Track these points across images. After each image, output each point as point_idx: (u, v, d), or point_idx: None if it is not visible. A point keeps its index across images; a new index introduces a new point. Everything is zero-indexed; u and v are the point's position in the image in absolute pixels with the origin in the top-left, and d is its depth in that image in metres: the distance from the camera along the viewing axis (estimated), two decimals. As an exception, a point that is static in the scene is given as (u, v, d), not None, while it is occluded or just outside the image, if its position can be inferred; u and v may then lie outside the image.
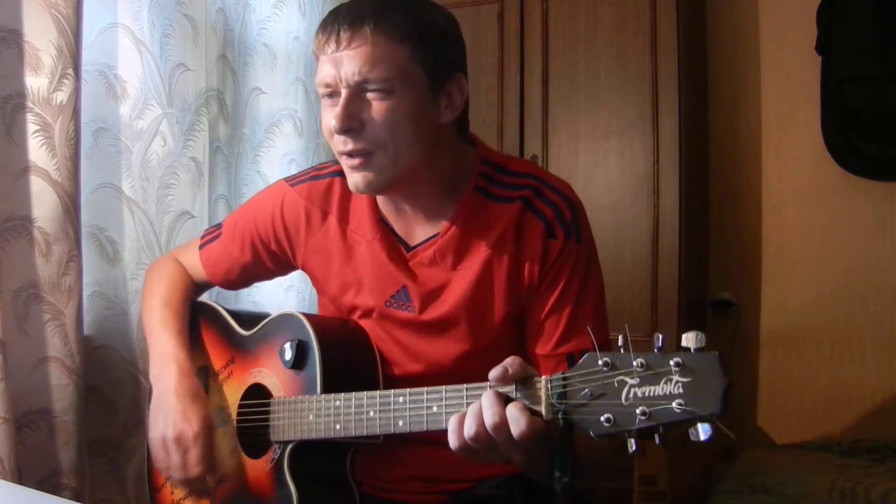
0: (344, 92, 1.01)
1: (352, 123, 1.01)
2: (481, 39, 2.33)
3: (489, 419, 0.87)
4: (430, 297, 1.12)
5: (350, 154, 1.03)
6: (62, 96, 1.27)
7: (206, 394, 1.20)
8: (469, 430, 0.89)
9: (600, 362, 0.83)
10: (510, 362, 0.89)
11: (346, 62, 0.99)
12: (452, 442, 0.91)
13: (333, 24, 1.01)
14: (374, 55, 0.99)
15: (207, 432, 1.12)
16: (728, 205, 2.51)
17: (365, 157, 1.03)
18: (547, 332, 1.10)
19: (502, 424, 0.87)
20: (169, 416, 1.13)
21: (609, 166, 2.22)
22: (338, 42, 1.00)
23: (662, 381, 0.78)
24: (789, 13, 2.41)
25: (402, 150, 1.02)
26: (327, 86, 1.03)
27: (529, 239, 1.08)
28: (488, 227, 1.09)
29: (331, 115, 1.02)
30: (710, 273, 2.53)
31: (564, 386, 0.85)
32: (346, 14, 1.01)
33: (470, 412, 0.90)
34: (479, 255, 1.09)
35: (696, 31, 2.42)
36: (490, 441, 0.88)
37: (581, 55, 2.25)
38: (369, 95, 1.01)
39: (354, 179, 1.05)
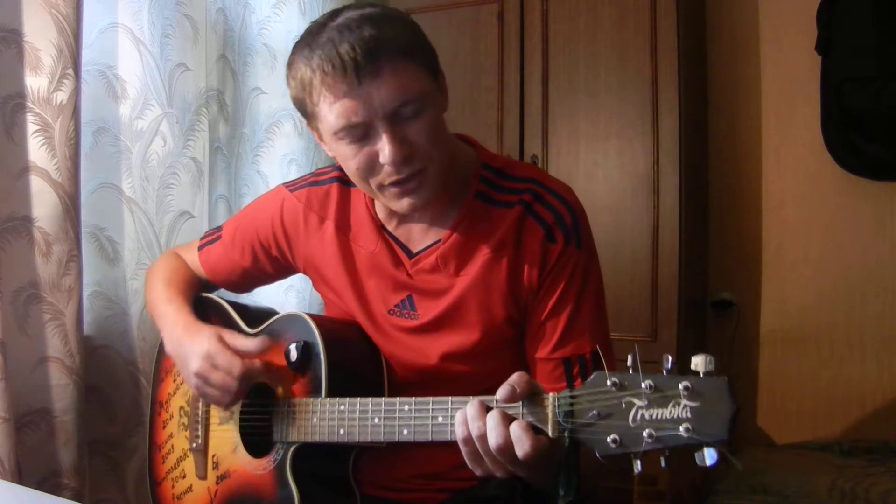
0: (383, 123, 0.98)
1: (406, 149, 1.00)
2: (481, 39, 2.32)
3: (493, 441, 0.87)
4: (434, 303, 1.12)
5: (405, 180, 1.02)
6: (62, 96, 1.27)
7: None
8: (461, 433, 0.90)
9: (609, 382, 0.82)
10: (517, 381, 0.89)
11: (375, 93, 0.96)
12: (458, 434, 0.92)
13: (342, 62, 0.95)
14: (402, 77, 0.97)
15: (222, 344, 1.09)
16: (728, 205, 2.50)
17: (420, 176, 1.02)
18: (545, 336, 1.09)
19: (506, 446, 0.87)
20: (185, 356, 1.12)
21: (609, 166, 2.22)
22: (359, 77, 0.95)
23: (671, 405, 0.78)
24: (789, 13, 2.40)
25: (444, 157, 1.05)
26: (354, 125, 0.98)
27: (529, 243, 1.08)
28: (489, 232, 1.09)
29: (365, 153, 1.00)
30: (710, 273, 2.52)
31: (572, 404, 0.85)
32: (351, 46, 0.95)
33: (468, 414, 0.90)
34: (480, 260, 1.09)
35: (696, 31, 2.42)
36: (493, 459, 0.89)
37: (581, 55, 2.24)
38: (405, 117, 0.99)
39: (407, 202, 1.04)
